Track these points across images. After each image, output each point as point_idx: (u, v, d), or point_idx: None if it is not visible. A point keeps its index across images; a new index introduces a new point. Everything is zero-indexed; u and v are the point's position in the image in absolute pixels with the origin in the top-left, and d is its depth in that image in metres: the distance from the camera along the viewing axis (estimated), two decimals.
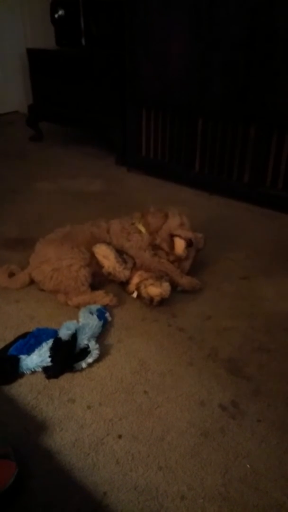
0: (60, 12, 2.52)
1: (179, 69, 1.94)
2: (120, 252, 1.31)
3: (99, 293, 1.27)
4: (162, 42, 1.94)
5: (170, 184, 2.19)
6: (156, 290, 1.22)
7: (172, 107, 2.05)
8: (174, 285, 1.31)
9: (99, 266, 1.30)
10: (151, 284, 1.23)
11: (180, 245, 1.34)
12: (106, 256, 1.28)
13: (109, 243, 1.32)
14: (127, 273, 1.29)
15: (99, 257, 1.29)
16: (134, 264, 1.32)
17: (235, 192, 1.98)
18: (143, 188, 2.16)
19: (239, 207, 1.94)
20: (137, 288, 1.27)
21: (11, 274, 1.37)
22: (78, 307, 1.24)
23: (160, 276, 1.28)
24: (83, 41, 2.50)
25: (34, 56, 2.64)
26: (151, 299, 1.23)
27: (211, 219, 1.82)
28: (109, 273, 1.29)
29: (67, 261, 1.25)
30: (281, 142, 1.76)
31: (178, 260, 1.36)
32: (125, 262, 1.30)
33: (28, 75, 2.76)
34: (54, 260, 1.26)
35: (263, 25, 1.64)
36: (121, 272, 1.28)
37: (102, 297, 1.26)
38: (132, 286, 1.30)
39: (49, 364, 1.03)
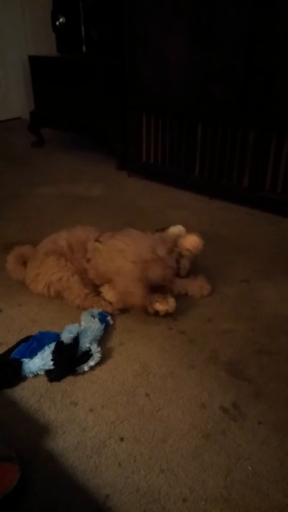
0: (61, 20, 2.56)
1: (178, 74, 1.96)
2: None
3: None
4: (161, 48, 1.97)
5: (170, 188, 2.20)
6: (163, 307, 1.21)
7: (172, 112, 2.07)
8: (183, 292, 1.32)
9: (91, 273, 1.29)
10: (157, 302, 1.22)
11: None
12: (116, 302, 1.24)
13: None
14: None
15: (108, 300, 1.25)
16: None
17: (235, 196, 1.99)
18: (143, 192, 2.18)
19: (239, 211, 1.95)
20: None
21: (24, 263, 1.36)
22: (83, 308, 1.26)
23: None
24: (84, 48, 2.54)
25: (36, 63, 2.67)
26: (156, 312, 1.23)
27: (211, 223, 1.84)
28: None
29: (56, 275, 1.27)
30: (280, 146, 1.78)
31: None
32: None
33: (30, 82, 2.79)
34: (43, 275, 1.28)
35: (262, 30, 1.66)
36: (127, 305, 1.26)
37: (107, 304, 1.26)
38: None
39: (52, 367, 1.04)
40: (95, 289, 1.30)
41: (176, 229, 1.43)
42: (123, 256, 1.15)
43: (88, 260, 1.28)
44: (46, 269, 1.28)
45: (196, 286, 1.33)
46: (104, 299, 1.26)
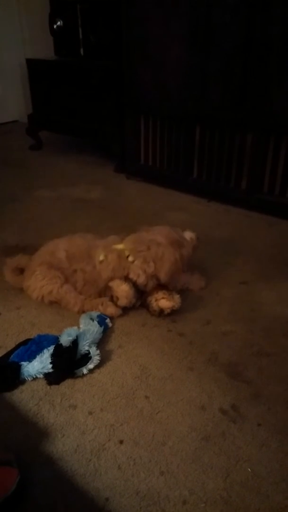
0: (59, 23, 2.57)
1: (176, 77, 1.97)
2: (135, 285, 1.27)
3: (104, 300, 1.27)
4: (159, 51, 1.98)
5: (169, 191, 2.21)
6: (169, 303, 1.22)
7: (170, 115, 2.08)
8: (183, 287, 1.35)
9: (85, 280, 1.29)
10: (163, 298, 1.23)
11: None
12: (127, 296, 1.25)
13: (127, 278, 1.26)
14: (135, 301, 1.28)
15: (118, 295, 1.25)
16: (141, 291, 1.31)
17: (233, 198, 2.00)
18: (142, 195, 2.18)
19: (237, 213, 1.96)
20: (145, 301, 1.26)
21: (21, 270, 1.37)
22: (83, 311, 1.26)
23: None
24: (81, 51, 2.55)
25: (34, 66, 2.68)
26: (161, 311, 1.23)
27: (209, 225, 1.84)
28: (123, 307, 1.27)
29: (45, 288, 1.27)
30: (278, 148, 1.79)
31: None
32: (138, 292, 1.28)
33: (28, 85, 2.80)
34: (32, 288, 1.29)
35: (259, 33, 1.67)
36: (132, 303, 1.27)
37: (107, 306, 1.26)
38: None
39: (50, 370, 1.03)
40: (104, 293, 1.29)
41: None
42: (156, 242, 1.25)
43: (101, 262, 1.28)
44: (35, 283, 1.29)
45: (194, 280, 1.39)
46: (111, 297, 1.26)
